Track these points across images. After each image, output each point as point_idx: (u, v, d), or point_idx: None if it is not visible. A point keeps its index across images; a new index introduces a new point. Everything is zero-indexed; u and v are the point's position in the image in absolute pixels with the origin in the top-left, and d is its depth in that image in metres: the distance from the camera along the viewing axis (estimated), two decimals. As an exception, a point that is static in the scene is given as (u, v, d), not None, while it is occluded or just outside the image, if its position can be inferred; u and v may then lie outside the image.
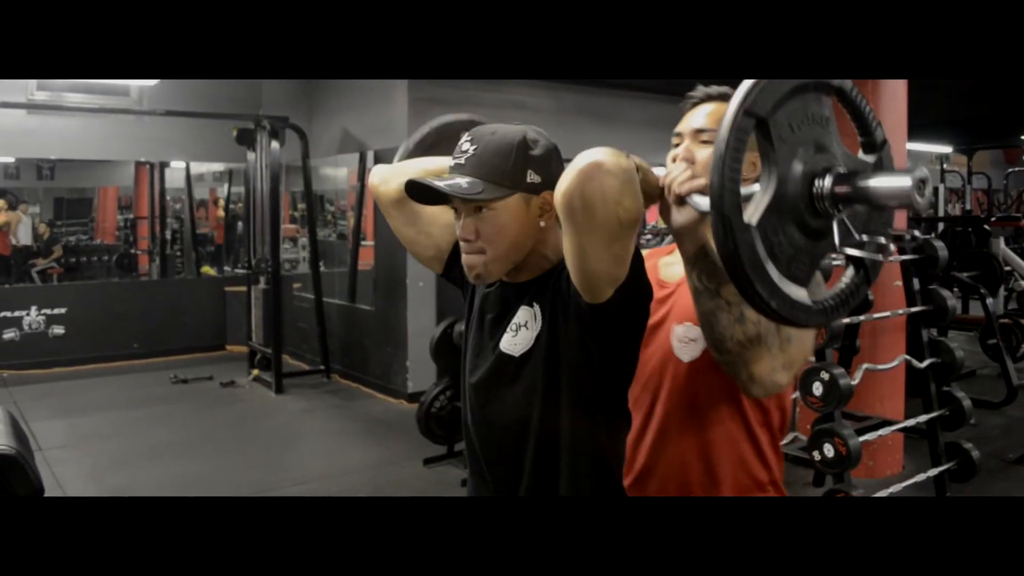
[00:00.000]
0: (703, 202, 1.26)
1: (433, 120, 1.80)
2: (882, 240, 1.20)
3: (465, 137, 1.42)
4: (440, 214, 1.58)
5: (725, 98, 1.57)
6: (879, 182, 1.12)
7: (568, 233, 1.25)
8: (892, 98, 4.58)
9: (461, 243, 1.43)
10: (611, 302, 1.29)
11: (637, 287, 1.32)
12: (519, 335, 1.45)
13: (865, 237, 1.19)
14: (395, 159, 1.76)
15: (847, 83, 1.19)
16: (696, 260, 1.34)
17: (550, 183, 1.35)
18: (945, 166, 11.43)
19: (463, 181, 1.36)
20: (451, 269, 1.63)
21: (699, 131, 1.56)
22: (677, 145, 1.60)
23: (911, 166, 1.12)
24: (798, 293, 1.14)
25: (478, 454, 1.55)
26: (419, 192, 1.40)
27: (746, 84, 1.10)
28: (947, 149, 11.60)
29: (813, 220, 1.15)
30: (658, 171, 1.36)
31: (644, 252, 1.73)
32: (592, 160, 1.18)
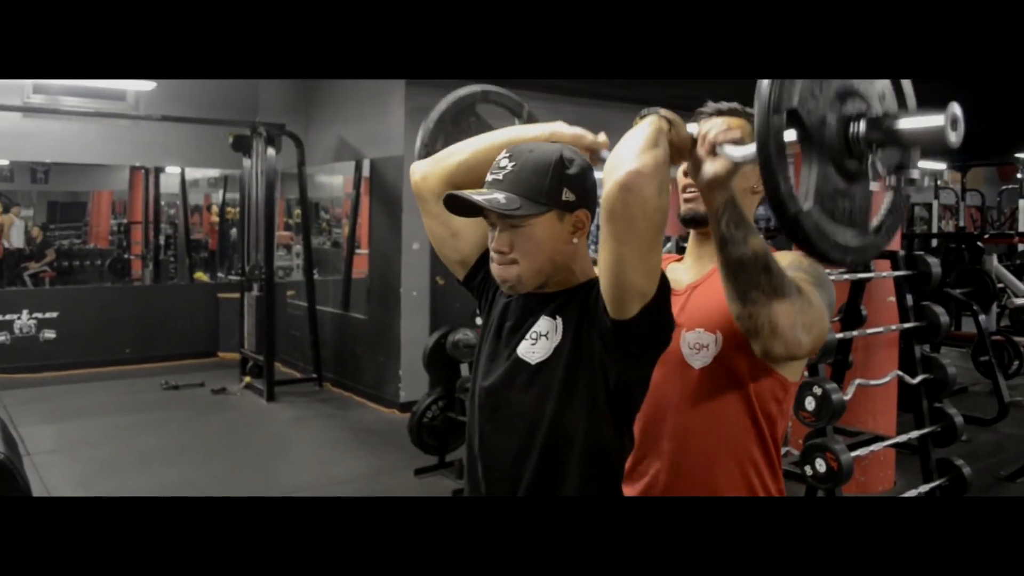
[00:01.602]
0: (736, 152, 1.32)
1: (446, 97, 1.81)
2: (914, 175, 1.27)
3: (504, 153, 1.45)
4: (473, 221, 1.58)
5: (735, 113, 1.61)
6: (911, 123, 1.20)
7: (608, 243, 1.29)
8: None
9: (494, 255, 1.45)
10: (635, 320, 1.33)
11: (661, 311, 1.36)
12: (538, 344, 1.47)
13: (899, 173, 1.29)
14: (417, 142, 1.77)
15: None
16: (725, 208, 1.36)
17: (584, 202, 1.43)
18: (939, 183, 11.46)
19: (501, 196, 1.39)
20: (472, 278, 1.64)
21: None
22: None
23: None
24: (843, 234, 1.25)
25: (477, 461, 1.54)
26: (457, 205, 1.42)
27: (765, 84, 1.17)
28: (941, 166, 11.63)
29: (850, 162, 1.24)
30: (690, 127, 1.41)
31: None
32: (631, 169, 1.24)
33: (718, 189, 1.36)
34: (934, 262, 4.28)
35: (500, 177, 1.42)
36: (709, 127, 1.37)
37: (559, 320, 1.46)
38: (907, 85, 1.33)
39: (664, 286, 1.35)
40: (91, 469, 5.15)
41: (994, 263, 7.55)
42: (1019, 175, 10.67)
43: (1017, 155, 10.82)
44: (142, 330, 8.30)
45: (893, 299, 4.37)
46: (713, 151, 1.35)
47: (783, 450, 4.12)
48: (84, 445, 5.67)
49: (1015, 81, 6.59)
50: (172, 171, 9.79)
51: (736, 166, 1.33)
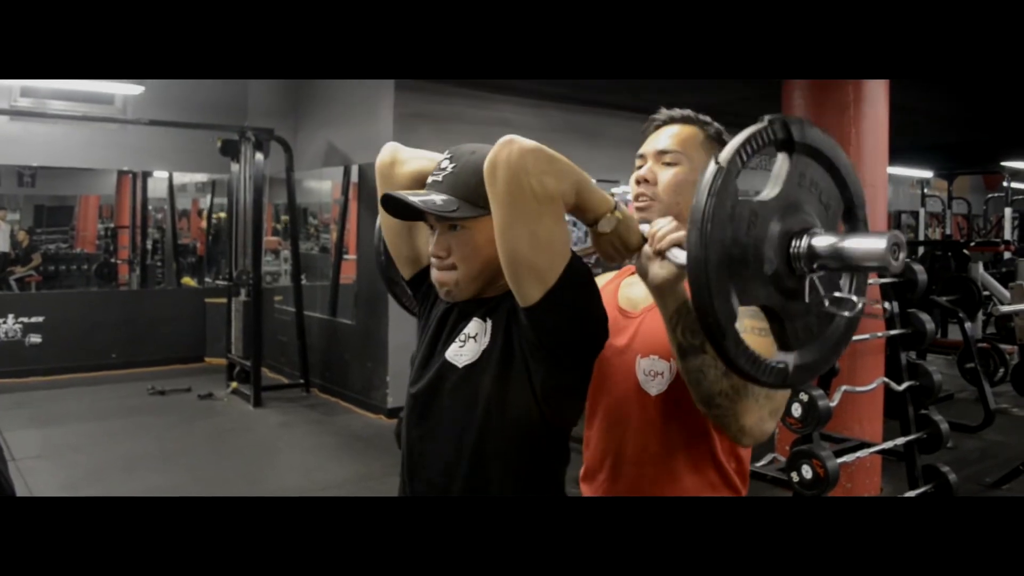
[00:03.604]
0: (682, 256, 1.24)
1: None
2: (853, 299, 1.19)
3: (445, 154, 1.40)
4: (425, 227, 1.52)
5: (688, 120, 1.58)
6: (854, 243, 1.12)
7: (494, 216, 1.25)
8: (874, 121, 4.60)
9: (432, 259, 1.40)
10: (540, 306, 1.26)
11: (569, 299, 1.28)
12: (466, 346, 1.41)
13: (838, 294, 1.19)
14: None
15: (816, 135, 1.19)
16: (679, 316, 1.33)
17: None
18: (926, 190, 11.50)
19: (438, 198, 1.34)
20: (419, 285, 1.56)
21: (662, 152, 1.56)
22: (640, 167, 1.59)
23: (885, 232, 1.11)
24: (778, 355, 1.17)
25: (405, 470, 1.48)
26: (395, 206, 1.38)
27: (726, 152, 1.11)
28: (928, 174, 11.69)
29: (788, 280, 1.16)
30: (643, 228, 1.36)
31: (608, 276, 1.72)
32: (507, 137, 1.22)
33: (668, 294, 1.32)
34: (920, 269, 4.28)
35: (440, 179, 1.37)
36: (659, 227, 1.32)
37: (489, 322, 1.39)
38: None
39: (571, 272, 1.28)
40: (76, 474, 5.12)
41: (980, 271, 7.59)
42: (1005, 184, 10.72)
43: (1003, 164, 10.89)
44: (129, 335, 8.25)
45: (879, 306, 4.39)
46: (662, 255, 1.30)
47: (769, 456, 4.14)
48: (70, 450, 5.64)
49: (1002, 90, 6.64)
50: (160, 175, 9.76)
51: (683, 271, 1.25)
